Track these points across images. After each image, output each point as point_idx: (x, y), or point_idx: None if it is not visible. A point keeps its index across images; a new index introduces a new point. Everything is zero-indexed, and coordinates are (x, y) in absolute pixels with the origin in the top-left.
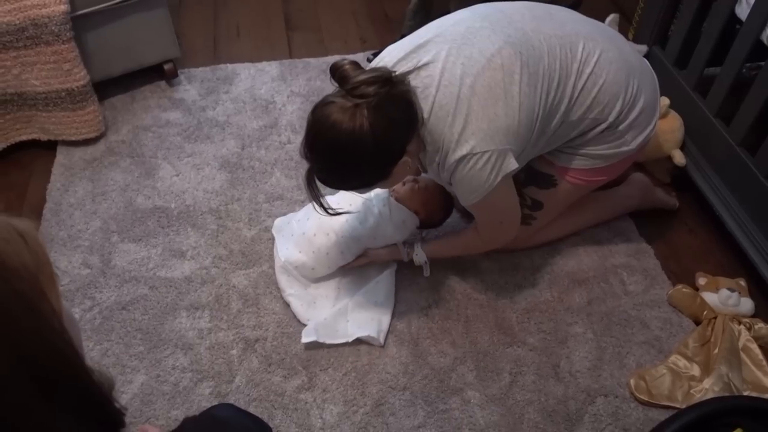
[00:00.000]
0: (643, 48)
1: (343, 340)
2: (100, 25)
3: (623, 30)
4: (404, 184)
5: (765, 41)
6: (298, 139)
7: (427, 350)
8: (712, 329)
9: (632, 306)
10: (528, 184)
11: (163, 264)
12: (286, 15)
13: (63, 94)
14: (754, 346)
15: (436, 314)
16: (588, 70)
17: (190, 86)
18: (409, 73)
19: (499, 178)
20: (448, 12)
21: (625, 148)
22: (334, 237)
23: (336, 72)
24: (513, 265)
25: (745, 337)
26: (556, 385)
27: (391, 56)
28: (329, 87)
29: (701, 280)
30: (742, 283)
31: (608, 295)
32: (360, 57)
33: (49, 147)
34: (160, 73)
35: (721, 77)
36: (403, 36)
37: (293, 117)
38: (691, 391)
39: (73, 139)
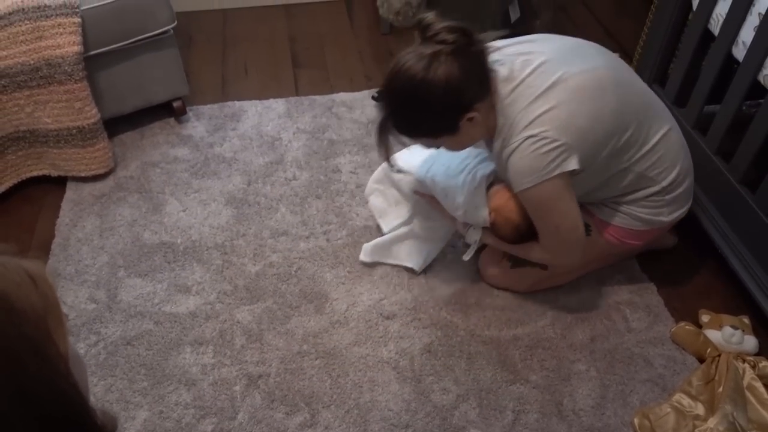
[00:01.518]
0: None
1: (393, 262)
2: (112, 64)
3: None
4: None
5: (762, 81)
6: (304, 175)
7: (429, 387)
8: (716, 367)
9: (635, 343)
10: None
11: (169, 299)
12: (293, 54)
13: (74, 131)
14: (759, 385)
15: (440, 351)
16: (662, 132)
17: (199, 123)
18: (499, 49)
19: (557, 171)
20: None
21: (663, 218)
22: (421, 159)
23: (421, 22)
24: (516, 301)
25: (749, 376)
26: (559, 423)
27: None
28: (335, 124)
29: (704, 318)
30: (746, 320)
31: (611, 332)
32: (365, 94)
33: (59, 182)
34: (170, 111)
35: (721, 115)
36: None
37: (299, 153)
38: (696, 431)
39: (83, 175)
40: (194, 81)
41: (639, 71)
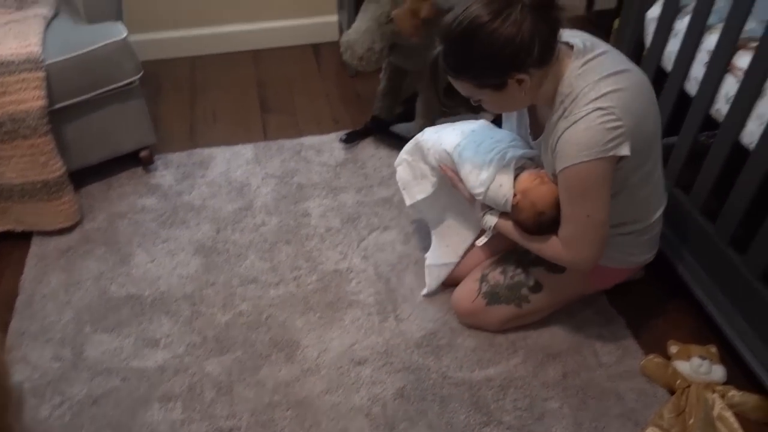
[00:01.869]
0: None
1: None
2: (77, 116)
3: None
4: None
5: (713, 115)
6: (273, 220)
7: None
8: (686, 398)
9: (606, 378)
10: (537, 265)
11: (136, 354)
12: (262, 99)
13: (39, 185)
14: (729, 414)
15: (412, 395)
16: (660, 167)
17: (167, 171)
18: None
19: (612, 152)
20: (416, 94)
21: (634, 259)
22: (455, 134)
23: None
24: (488, 340)
25: (719, 406)
26: None
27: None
28: (303, 168)
29: (673, 348)
30: (713, 350)
31: (582, 368)
32: (333, 137)
33: (25, 237)
34: (137, 160)
35: (678, 147)
36: (374, 117)
37: (267, 198)
38: None
39: (48, 229)
40: (162, 129)
41: None
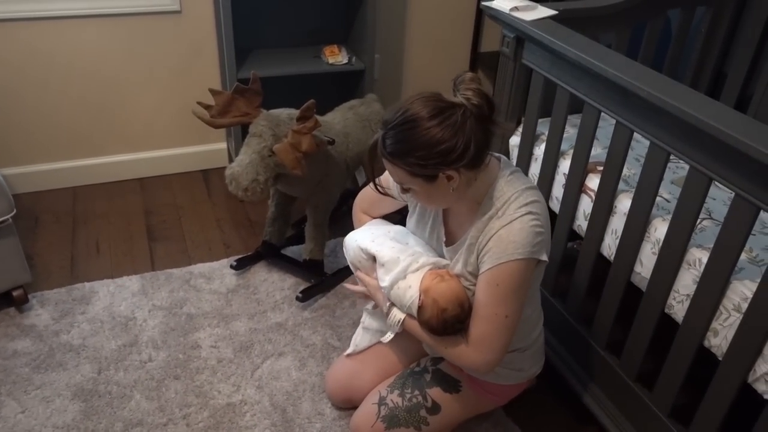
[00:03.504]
0: None
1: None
2: None
3: None
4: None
5: (577, 230)
6: (161, 355)
7: None
8: None
9: None
10: (433, 386)
11: None
12: (149, 227)
13: None
14: None
15: None
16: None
17: (43, 310)
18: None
19: (536, 255)
20: (305, 219)
21: (524, 374)
22: (371, 234)
23: (459, 77)
24: None
25: None
26: None
27: None
28: (193, 297)
29: None
30: None
31: None
32: (224, 263)
33: None
34: (9, 300)
35: (550, 259)
36: (264, 242)
37: (155, 332)
38: None
39: None
40: (39, 264)
41: None
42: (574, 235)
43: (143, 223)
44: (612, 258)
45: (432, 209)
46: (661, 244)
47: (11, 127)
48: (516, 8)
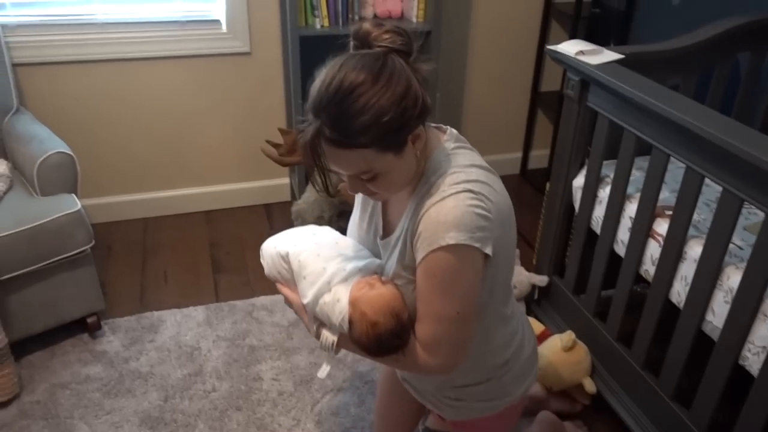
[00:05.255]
0: (544, 279)
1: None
2: (24, 286)
3: (527, 258)
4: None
5: (643, 275)
6: (224, 386)
7: None
8: None
9: None
10: None
11: None
12: (214, 259)
13: None
14: None
15: None
16: (517, 313)
17: (114, 337)
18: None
19: (479, 244)
20: None
21: (510, 398)
22: (293, 238)
23: (358, 32)
24: None
25: None
26: None
27: None
28: (255, 329)
29: None
30: None
31: None
32: None
33: None
34: (83, 326)
35: (615, 302)
36: None
37: (218, 362)
38: None
39: None
40: (111, 292)
41: (539, 263)
42: (638, 279)
43: (208, 254)
44: (681, 305)
45: (384, 199)
46: (734, 293)
47: (89, 160)
48: (582, 52)
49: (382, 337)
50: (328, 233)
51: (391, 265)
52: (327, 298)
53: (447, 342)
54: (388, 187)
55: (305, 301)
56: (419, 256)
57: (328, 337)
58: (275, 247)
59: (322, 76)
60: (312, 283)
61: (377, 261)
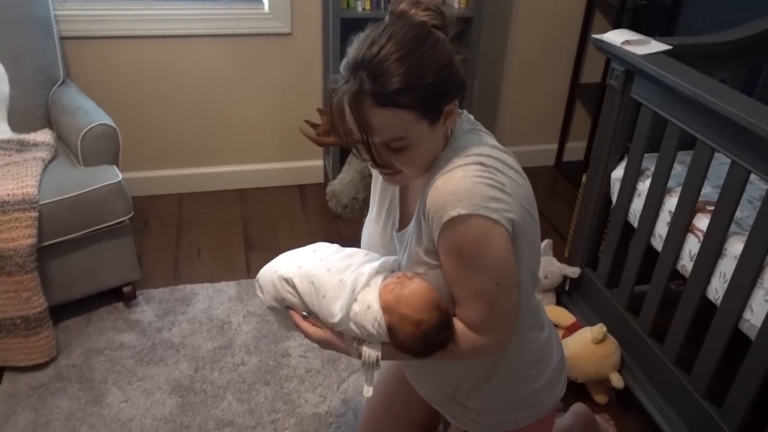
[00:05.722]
0: (576, 270)
1: None
2: (64, 253)
3: (559, 249)
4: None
5: (680, 270)
6: (252, 360)
7: None
8: None
9: None
10: None
11: None
12: (246, 237)
13: (18, 321)
14: None
15: None
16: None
17: (148, 307)
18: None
19: (491, 215)
20: None
21: (547, 402)
22: (294, 259)
23: (395, 10)
24: None
25: None
26: None
27: None
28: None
29: None
30: None
31: None
32: None
33: None
34: (119, 295)
35: (649, 297)
36: None
37: (248, 337)
38: None
39: (22, 365)
40: (146, 264)
41: (571, 255)
42: (674, 275)
43: (241, 232)
44: (718, 302)
45: (402, 182)
46: None
47: (130, 135)
48: (628, 42)
49: (429, 334)
50: (326, 247)
51: (409, 253)
52: (356, 308)
53: (497, 316)
54: (413, 163)
55: (334, 320)
56: (435, 234)
57: (371, 353)
58: (276, 272)
59: (362, 38)
60: (335, 298)
61: (391, 258)
